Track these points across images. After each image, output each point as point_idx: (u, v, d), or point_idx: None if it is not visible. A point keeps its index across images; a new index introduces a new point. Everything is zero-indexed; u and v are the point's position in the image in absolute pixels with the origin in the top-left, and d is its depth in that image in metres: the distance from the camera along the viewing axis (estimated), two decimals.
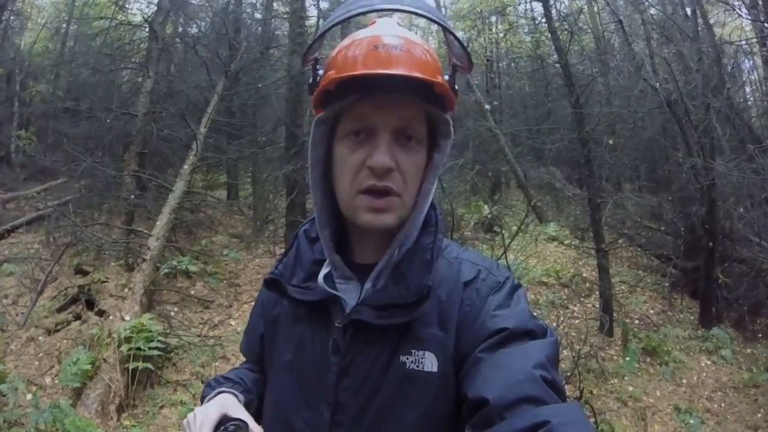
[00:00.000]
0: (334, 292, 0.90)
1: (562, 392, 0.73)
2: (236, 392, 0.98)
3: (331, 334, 0.89)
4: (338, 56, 0.85)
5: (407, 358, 0.83)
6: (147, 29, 8.82)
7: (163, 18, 8.68)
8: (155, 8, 8.82)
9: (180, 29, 10.49)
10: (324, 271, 0.93)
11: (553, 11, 7.60)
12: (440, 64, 0.87)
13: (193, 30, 10.70)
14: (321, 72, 0.89)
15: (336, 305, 0.90)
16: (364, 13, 0.83)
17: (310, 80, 0.91)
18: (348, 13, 0.83)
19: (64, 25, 12.74)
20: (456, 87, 0.89)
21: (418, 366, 0.83)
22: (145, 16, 9.22)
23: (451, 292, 0.87)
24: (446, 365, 0.83)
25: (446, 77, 0.88)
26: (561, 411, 0.67)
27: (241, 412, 0.90)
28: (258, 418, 1.01)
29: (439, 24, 0.85)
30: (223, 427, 0.85)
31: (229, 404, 0.92)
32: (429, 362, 0.83)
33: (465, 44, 0.87)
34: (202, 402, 0.98)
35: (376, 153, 0.83)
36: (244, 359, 1.18)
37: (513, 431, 0.66)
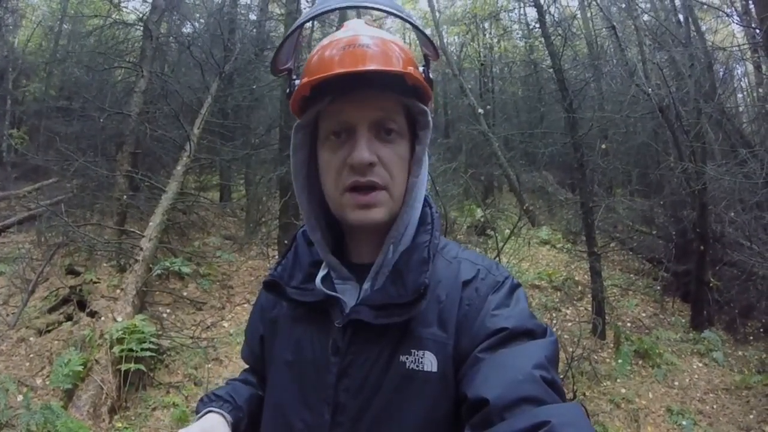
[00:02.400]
0: (332, 293, 0.90)
1: (562, 392, 0.74)
2: (224, 412, 0.99)
3: (331, 335, 0.89)
4: (311, 62, 0.87)
5: (407, 358, 0.84)
6: (141, 28, 8.77)
7: (158, 17, 8.63)
8: (150, 7, 8.77)
9: (174, 29, 10.45)
10: (322, 273, 0.93)
11: (547, 17, 7.63)
12: (412, 57, 0.88)
13: (188, 30, 10.66)
14: (297, 81, 0.90)
15: (335, 306, 0.90)
16: (321, 15, 0.85)
17: (287, 90, 0.92)
18: (305, 17, 0.85)
19: (58, 24, 12.66)
20: (431, 77, 0.90)
21: (417, 366, 0.83)
22: (140, 15, 9.20)
23: (450, 291, 0.87)
24: (446, 365, 0.83)
25: (420, 69, 0.90)
26: (561, 411, 0.68)
27: None
28: (256, 425, 1.03)
29: (393, 15, 0.85)
30: None
31: (211, 427, 0.93)
32: (429, 362, 0.83)
33: (434, 39, 0.89)
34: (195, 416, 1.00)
35: (355, 150, 0.84)
36: (243, 363, 1.19)
37: (513, 431, 0.66)
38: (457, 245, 0.99)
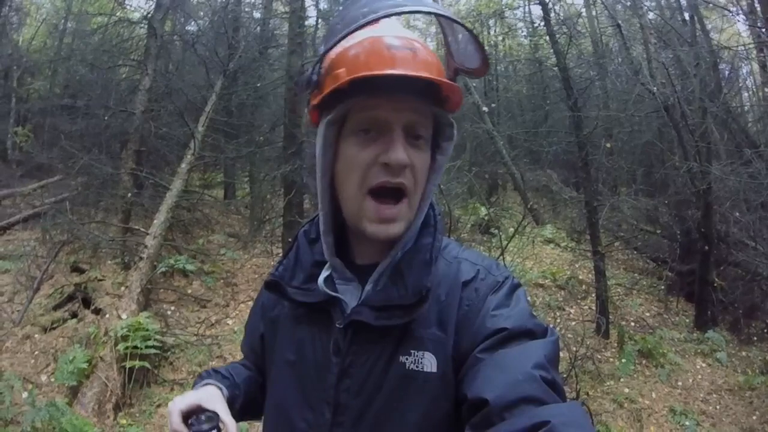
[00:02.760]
0: (334, 294, 0.90)
1: (562, 392, 0.74)
2: (222, 386, 0.99)
3: (332, 335, 0.89)
4: (347, 55, 0.83)
5: (407, 359, 0.84)
6: (146, 26, 8.79)
7: (162, 15, 8.66)
8: (154, 5, 8.79)
9: (179, 27, 10.47)
10: (324, 273, 0.93)
11: (552, 14, 7.60)
12: (442, 66, 0.87)
13: (192, 28, 10.68)
14: (320, 71, 0.86)
15: (336, 306, 0.91)
16: (395, 14, 0.79)
17: (308, 80, 0.87)
18: (375, 14, 0.77)
19: (63, 22, 12.68)
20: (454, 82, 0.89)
21: (417, 366, 0.83)
22: (144, 13, 9.22)
23: (450, 291, 0.87)
24: (446, 365, 0.83)
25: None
26: (561, 411, 0.68)
27: (218, 405, 0.92)
28: (246, 412, 1.05)
29: (462, 26, 0.85)
30: (195, 417, 0.88)
31: (207, 396, 0.93)
32: (428, 362, 0.83)
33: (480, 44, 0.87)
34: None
35: (393, 149, 0.82)
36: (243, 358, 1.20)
37: (513, 431, 0.66)
38: (457, 245, 0.99)
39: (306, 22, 9.31)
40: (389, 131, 0.83)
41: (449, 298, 0.87)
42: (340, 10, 0.88)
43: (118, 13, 10.17)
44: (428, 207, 0.95)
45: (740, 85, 11.92)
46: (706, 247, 7.12)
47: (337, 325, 0.88)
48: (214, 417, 0.88)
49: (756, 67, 10.70)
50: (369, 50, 0.82)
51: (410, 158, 0.83)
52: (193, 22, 10.77)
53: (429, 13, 0.83)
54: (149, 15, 8.80)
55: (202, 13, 11.05)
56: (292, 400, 0.92)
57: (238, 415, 0.99)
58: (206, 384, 0.99)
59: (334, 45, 0.82)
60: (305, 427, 0.88)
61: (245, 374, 1.11)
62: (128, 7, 10.63)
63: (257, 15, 11.77)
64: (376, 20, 0.77)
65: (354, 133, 0.85)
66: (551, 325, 0.86)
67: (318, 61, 0.86)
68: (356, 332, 0.87)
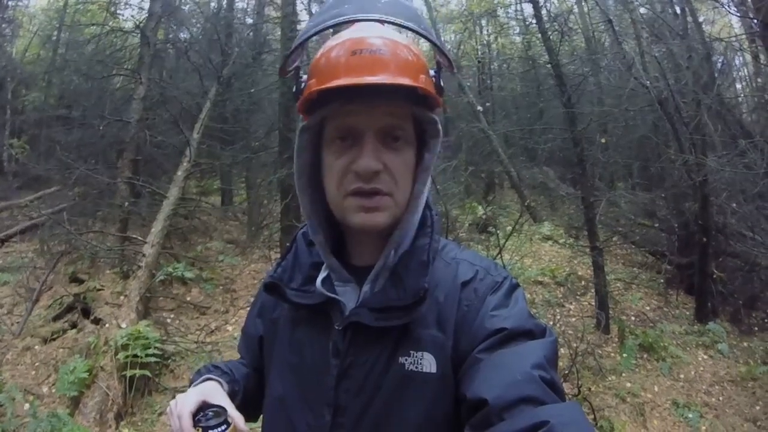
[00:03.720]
0: (332, 295, 0.90)
1: (561, 392, 0.74)
2: (222, 381, 0.98)
3: (331, 337, 0.89)
4: (320, 62, 0.85)
5: (406, 360, 0.84)
6: (138, 35, 8.80)
7: (155, 24, 8.66)
8: (146, 14, 8.80)
9: (171, 35, 10.47)
10: (322, 275, 0.94)
11: (543, 12, 7.62)
12: (425, 61, 0.86)
13: (185, 36, 10.68)
14: (304, 78, 0.88)
15: (335, 308, 0.91)
16: (335, 25, 0.81)
17: (294, 88, 0.90)
18: (317, 27, 0.81)
19: (56, 33, 12.68)
20: (442, 84, 0.88)
21: (417, 367, 0.83)
22: (137, 23, 9.21)
23: (448, 292, 0.88)
24: (445, 366, 0.83)
25: (432, 72, 0.88)
26: (560, 411, 0.68)
27: (222, 400, 0.91)
28: (245, 410, 1.02)
29: (414, 31, 0.81)
30: (202, 413, 0.86)
31: (210, 391, 0.92)
32: (428, 363, 0.83)
33: (446, 46, 0.87)
34: (190, 386, 0.98)
35: (361, 157, 0.83)
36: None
37: (512, 431, 0.66)
38: (456, 245, 0.99)
39: (298, 27, 9.31)
40: (361, 138, 0.84)
41: (448, 298, 0.87)
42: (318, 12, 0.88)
43: (110, 23, 10.16)
44: (425, 208, 0.95)
45: (734, 76, 11.99)
46: (705, 239, 7.12)
47: (336, 327, 0.89)
48: (221, 412, 0.86)
49: (749, 57, 10.74)
50: (336, 59, 0.84)
51: (385, 162, 0.84)
52: (185, 30, 10.78)
53: (373, 20, 0.82)
54: (142, 24, 8.80)
55: (194, 21, 11.04)
56: (292, 402, 0.92)
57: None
58: (206, 379, 0.98)
59: (289, 56, 0.88)
60: (305, 429, 0.89)
61: (244, 371, 1.10)
62: (121, 16, 10.64)
63: (249, 21, 11.80)
64: (319, 32, 0.81)
65: (332, 140, 0.87)
66: (551, 323, 0.86)
67: (279, 70, 0.91)
68: (355, 334, 0.87)
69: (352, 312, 0.87)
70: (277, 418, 0.95)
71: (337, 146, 0.86)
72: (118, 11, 10.67)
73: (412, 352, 0.84)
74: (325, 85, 0.82)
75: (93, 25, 10.35)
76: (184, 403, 0.87)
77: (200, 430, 0.83)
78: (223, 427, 0.84)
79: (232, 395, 0.98)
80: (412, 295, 0.83)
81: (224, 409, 0.87)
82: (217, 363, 1.08)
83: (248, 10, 12.09)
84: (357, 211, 0.86)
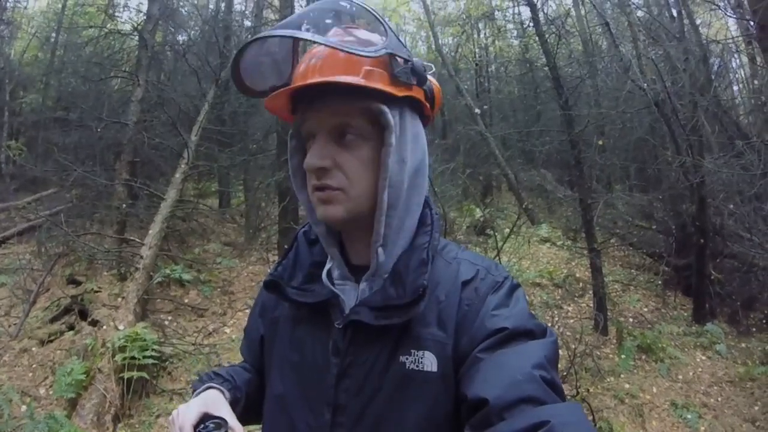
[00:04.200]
0: (335, 290, 0.91)
1: (561, 392, 0.74)
2: (224, 389, 0.98)
3: (331, 336, 0.89)
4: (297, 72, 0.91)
5: (407, 359, 0.84)
6: (137, 38, 8.80)
7: (153, 26, 8.66)
8: (145, 17, 8.80)
9: (170, 38, 10.47)
10: (327, 266, 0.95)
11: (541, 15, 7.63)
12: (374, 57, 0.83)
13: (183, 38, 10.68)
14: None
15: (335, 306, 0.91)
16: (258, 39, 0.88)
17: None
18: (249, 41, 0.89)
19: (54, 35, 12.66)
20: (397, 75, 0.86)
21: (417, 366, 0.83)
22: (135, 25, 9.21)
23: (449, 292, 0.87)
24: (446, 365, 0.83)
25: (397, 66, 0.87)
26: (561, 411, 0.68)
27: (223, 410, 0.91)
28: (248, 416, 1.03)
29: (330, 47, 0.83)
30: (203, 425, 0.86)
31: (212, 402, 0.92)
32: (428, 362, 0.83)
33: (405, 40, 0.88)
34: (193, 393, 0.99)
35: (308, 155, 0.87)
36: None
37: (513, 431, 0.66)
38: (456, 246, 0.99)
39: None
40: (315, 139, 0.88)
41: (449, 298, 0.87)
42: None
43: (108, 25, 10.15)
44: (425, 207, 0.95)
45: (730, 78, 12.03)
46: (702, 241, 7.14)
47: (336, 325, 0.89)
48: (222, 423, 0.87)
49: (745, 59, 10.78)
50: (296, 71, 0.91)
51: (336, 158, 0.86)
52: (183, 33, 10.78)
53: (283, 36, 0.89)
54: (140, 26, 8.80)
55: (192, 23, 11.05)
56: (293, 401, 0.92)
57: (241, 419, 0.99)
58: (208, 388, 0.98)
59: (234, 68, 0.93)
60: (305, 428, 0.88)
61: (246, 376, 1.10)
62: (119, 18, 10.63)
63: (248, 23, 11.80)
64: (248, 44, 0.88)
65: (306, 143, 0.92)
66: (549, 324, 0.86)
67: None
68: (355, 332, 0.87)
69: (352, 310, 0.88)
70: (277, 417, 0.95)
71: (308, 148, 0.90)
72: (116, 13, 10.67)
73: (413, 351, 0.84)
74: (268, 96, 0.89)
75: (91, 27, 10.33)
76: (186, 415, 0.88)
77: None
78: None
79: (234, 403, 0.98)
80: (412, 293, 0.83)
81: (225, 421, 0.88)
82: (219, 370, 1.08)
83: (246, 12, 12.10)
84: (318, 205, 0.88)
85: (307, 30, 0.86)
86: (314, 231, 0.99)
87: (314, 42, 0.83)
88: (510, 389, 0.70)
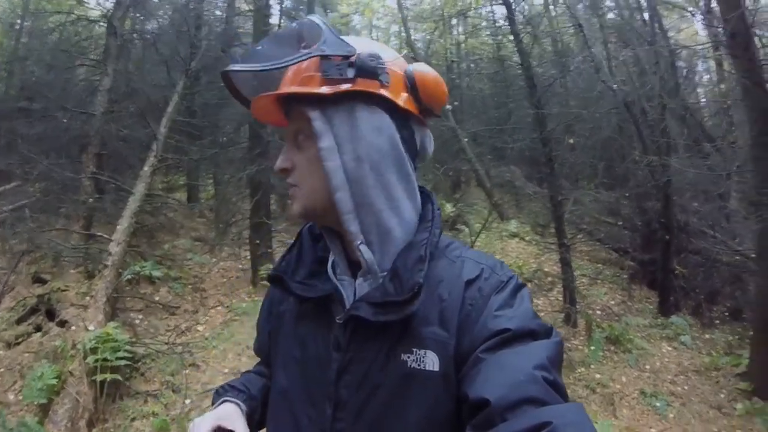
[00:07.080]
0: (338, 284, 0.93)
1: (564, 393, 0.74)
2: (239, 401, 1.01)
3: (332, 331, 0.90)
4: None
5: (408, 357, 0.84)
6: (105, 25, 8.46)
7: (122, 13, 8.35)
8: (114, 3, 8.47)
9: (139, 26, 10.14)
10: (331, 259, 0.97)
11: (518, 15, 7.70)
12: (310, 70, 0.87)
13: (153, 27, 10.35)
14: None
15: (337, 302, 0.92)
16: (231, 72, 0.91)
17: None
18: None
19: (19, 21, 12.04)
20: (327, 72, 0.86)
21: (419, 365, 0.83)
22: (104, 12, 8.88)
23: (452, 290, 0.87)
24: (447, 365, 0.83)
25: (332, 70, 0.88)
26: (563, 411, 0.68)
27: (237, 423, 0.95)
28: (265, 423, 1.05)
29: (282, 66, 0.87)
30: None
31: (226, 415, 0.96)
32: (430, 361, 0.83)
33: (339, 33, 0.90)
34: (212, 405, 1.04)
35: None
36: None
37: None
38: (461, 244, 0.99)
39: (270, 20, 9.17)
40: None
41: (452, 296, 0.86)
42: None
43: (76, 11, 9.68)
44: (427, 202, 0.96)
45: (697, 82, 12.41)
46: (667, 237, 7.39)
47: (338, 321, 0.89)
48: None
49: (713, 64, 11.13)
50: None
51: (293, 160, 0.93)
52: (153, 21, 10.44)
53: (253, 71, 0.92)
54: (108, 13, 8.45)
55: (162, 12, 10.70)
56: (296, 396, 0.93)
57: (258, 426, 1.03)
58: (224, 401, 1.01)
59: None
60: (307, 423, 0.89)
61: (260, 384, 1.12)
62: (87, 4, 10.16)
63: (219, 13, 11.51)
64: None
65: None
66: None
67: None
68: (356, 328, 0.87)
69: (352, 306, 0.88)
70: (280, 411, 0.95)
71: None
72: None
73: (414, 349, 0.84)
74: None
75: (58, 12, 9.86)
76: (200, 428, 0.93)
77: None
78: None
79: (251, 413, 1.03)
80: (408, 290, 0.82)
81: None
82: (233, 381, 1.11)
83: (218, 2, 11.76)
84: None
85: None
86: (318, 228, 1.02)
87: (248, 71, 0.92)
88: (512, 390, 0.70)
